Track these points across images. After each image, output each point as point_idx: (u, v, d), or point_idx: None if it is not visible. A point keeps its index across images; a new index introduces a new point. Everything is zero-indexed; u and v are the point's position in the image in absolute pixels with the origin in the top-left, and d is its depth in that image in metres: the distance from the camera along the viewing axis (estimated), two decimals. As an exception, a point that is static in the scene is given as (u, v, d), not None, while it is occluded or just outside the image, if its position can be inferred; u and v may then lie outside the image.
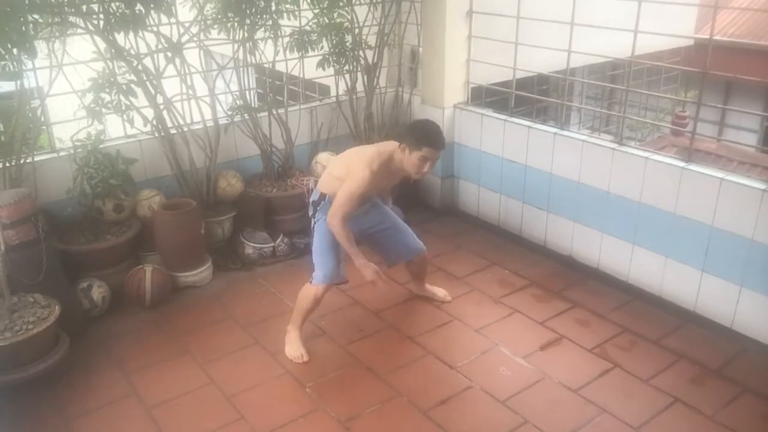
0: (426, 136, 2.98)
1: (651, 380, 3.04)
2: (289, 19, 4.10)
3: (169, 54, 3.76)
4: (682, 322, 3.47)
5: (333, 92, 4.72)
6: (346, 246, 3.05)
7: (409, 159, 2.98)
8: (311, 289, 3.17)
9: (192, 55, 3.91)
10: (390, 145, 3.10)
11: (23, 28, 3.05)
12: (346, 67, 4.52)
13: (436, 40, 4.52)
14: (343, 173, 3.07)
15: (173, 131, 3.90)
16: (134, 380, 3.08)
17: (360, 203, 3.08)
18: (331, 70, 4.46)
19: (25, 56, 3.16)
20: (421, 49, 4.73)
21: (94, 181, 3.57)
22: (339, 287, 3.41)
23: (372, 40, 4.57)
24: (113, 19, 3.40)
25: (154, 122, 3.81)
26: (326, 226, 3.09)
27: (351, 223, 3.23)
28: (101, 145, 3.60)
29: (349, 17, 4.39)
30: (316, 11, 4.22)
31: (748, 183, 3.17)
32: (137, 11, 3.42)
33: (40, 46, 3.40)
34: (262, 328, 3.48)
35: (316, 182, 4.22)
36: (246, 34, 4.00)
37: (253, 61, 4.16)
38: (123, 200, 3.68)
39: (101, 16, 3.40)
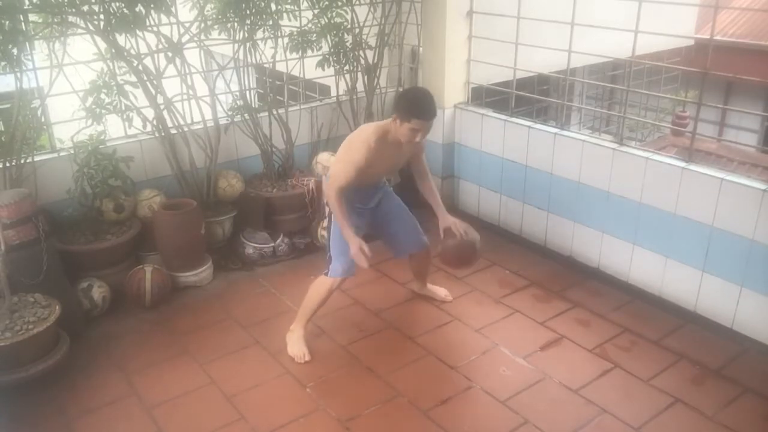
0: (414, 106, 2.89)
1: (651, 380, 3.04)
2: (289, 19, 4.10)
3: (170, 54, 3.76)
4: (683, 322, 3.47)
5: (333, 92, 4.72)
6: (338, 217, 3.00)
7: (400, 130, 2.93)
8: (327, 281, 3.16)
9: (192, 55, 3.91)
10: (388, 121, 3.07)
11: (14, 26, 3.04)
12: (347, 67, 4.52)
13: (437, 40, 4.52)
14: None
15: (174, 131, 3.90)
16: (134, 380, 3.08)
17: (357, 177, 2.98)
18: (331, 70, 4.46)
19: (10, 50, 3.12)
20: (421, 49, 4.73)
21: (94, 182, 3.57)
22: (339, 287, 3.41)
23: (372, 41, 4.57)
24: (113, 20, 3.40)
25: (155, 122, 3.81)
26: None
27: (360, 214, 3.21)
28: (102, 146, 3.60)
29: (348, 17, 4.39)
30: (316, 11, 4.22)
31: (749, 183, 3.17)
32: (137, 11, 3.42)
33: (41, 46, 3.40)
34: (262, 328, 3.48)
35: (316, 182, 4.26)
36: (246, 35, 4.00)
37: (254, 61, 4.16)
38: (123, 200, 3.68)
39: (101, 16, 3.40)
